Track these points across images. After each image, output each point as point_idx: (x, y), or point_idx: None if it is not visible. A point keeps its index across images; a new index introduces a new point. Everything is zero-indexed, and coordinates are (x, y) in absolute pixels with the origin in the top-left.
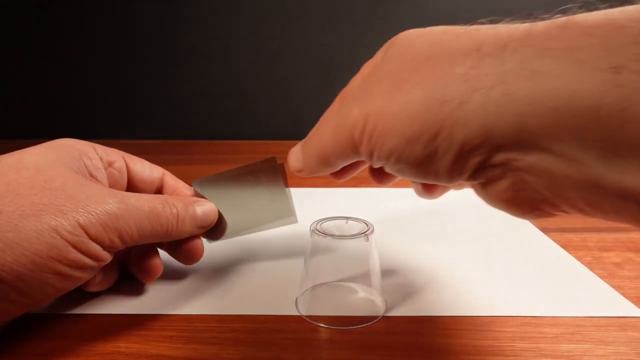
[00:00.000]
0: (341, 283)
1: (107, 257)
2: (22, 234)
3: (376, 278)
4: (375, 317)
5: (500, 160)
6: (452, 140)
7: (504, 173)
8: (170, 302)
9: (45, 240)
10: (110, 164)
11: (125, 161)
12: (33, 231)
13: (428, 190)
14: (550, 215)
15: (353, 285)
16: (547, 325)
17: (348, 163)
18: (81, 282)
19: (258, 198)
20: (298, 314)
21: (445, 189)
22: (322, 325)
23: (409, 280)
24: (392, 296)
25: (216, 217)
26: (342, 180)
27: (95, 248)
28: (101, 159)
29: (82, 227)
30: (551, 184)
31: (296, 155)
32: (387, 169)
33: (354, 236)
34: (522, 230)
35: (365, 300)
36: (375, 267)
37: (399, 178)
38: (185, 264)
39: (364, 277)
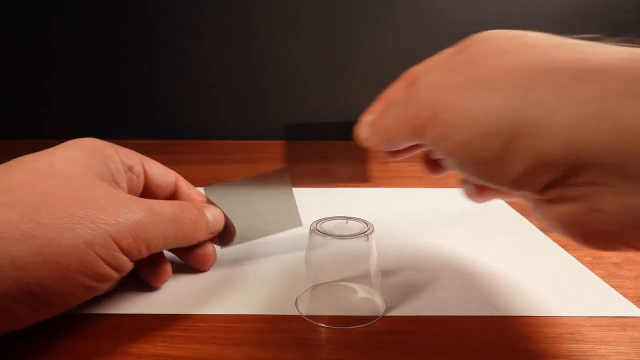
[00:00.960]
0: (341, 283)
1: (130, 267)
2: (58, 249)
3: (376, 278)
4: (375, 317)
5: (580, 182)
6: (531, 148)
7: (580, 196)
8: (170, 301)
9: (79, 255)
10: (130, 168)
11: (142, 165)
12: (69, 247)
13: (481, 192)
14: (616, 249)
15: (353, 285)
16: (547, 325)
17: (410, 145)
18: (100, 293)
19: (267, 206)
20: (298, 314)
21: (496, 195)
22: (322, 325)
23: (409, 280)
24: (392, 296)
25: (223, 222)
26: (396, 160)
27: (124, 261)
28: (122, 162)
29: (114, 240)
30: (635, 218)
31: (366, 127)
32: (447, 162)
33: (354, 236)
34: (522, 230)
35: (365, 300)
36: (375, 267)
37: (451, 171)
38: (201, 269)
39: (364, 277)
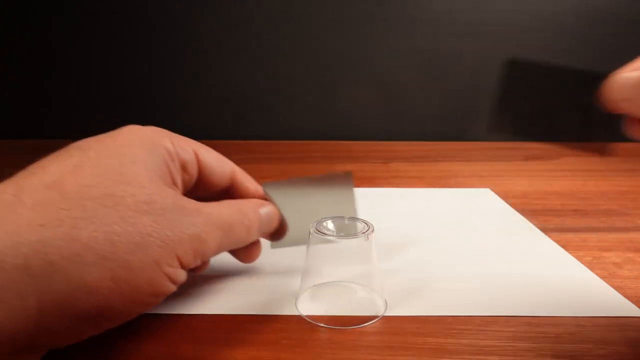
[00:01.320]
0: (341, 283)
1: (184, 279)
2: (130, 271)
3: (376, 278)
4: (375, 317)
5: None
6: None
7: None
8: (169, 301)
9: (148, 276)
10: (183, 165)
11: (197, 156)
12: (140, 267)
13: None
14: None
15: (353, 285)
16: (547, 325)
17: None
18: None
19: (326, 211)
20: (298, 314)
21: None
22: (322, 325)
23: (409, 280)
24: (392, 296)
25: (277, 222)
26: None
27: (183, 275)
28: (178, 158)
29: (178, 259)
30: None
31: (624, 84)
32: None
33: (354, 236)
34: (522, 230)
35: (365, 300)
36: (375, 267)
37: None
38: (244, 262)
39: (364, 277)
